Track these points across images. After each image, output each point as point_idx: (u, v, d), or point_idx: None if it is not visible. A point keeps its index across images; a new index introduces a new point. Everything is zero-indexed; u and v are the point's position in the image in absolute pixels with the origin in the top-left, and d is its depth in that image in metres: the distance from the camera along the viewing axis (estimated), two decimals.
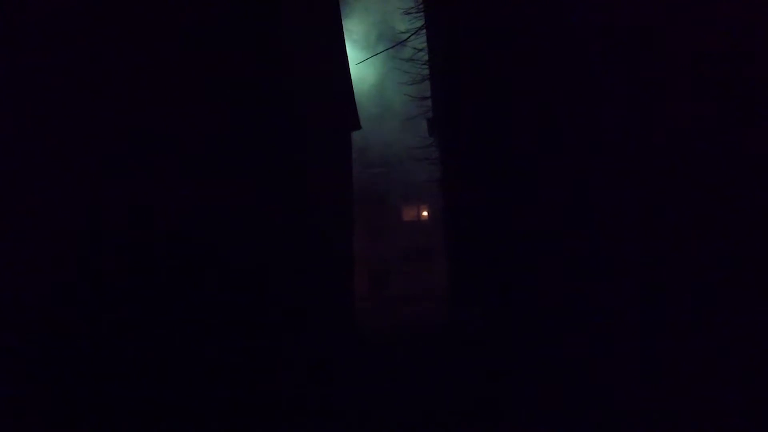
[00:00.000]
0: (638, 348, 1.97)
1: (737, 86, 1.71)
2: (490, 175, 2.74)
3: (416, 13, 5.53)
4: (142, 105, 4.29)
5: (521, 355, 2.18)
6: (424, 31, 6.11)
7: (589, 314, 1.81)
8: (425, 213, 29.97)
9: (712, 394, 1.73)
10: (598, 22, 1.67)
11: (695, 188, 1.80)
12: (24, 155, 3.06)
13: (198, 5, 5.48)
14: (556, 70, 1.89)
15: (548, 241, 2.02)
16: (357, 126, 14.77)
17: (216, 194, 5.65)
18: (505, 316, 2.45)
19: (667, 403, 1.89)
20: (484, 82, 2.71)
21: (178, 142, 4.87)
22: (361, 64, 7.00)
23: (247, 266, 6.42)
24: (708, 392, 1.77)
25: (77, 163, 3.51)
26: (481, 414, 3.91)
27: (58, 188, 3.31)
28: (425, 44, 6.77)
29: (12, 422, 2.79)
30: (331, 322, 10.53)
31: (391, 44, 5.63)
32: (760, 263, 1.70)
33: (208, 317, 5.20)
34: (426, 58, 6.20)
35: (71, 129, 3.46)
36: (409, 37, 5.71)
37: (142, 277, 4.15)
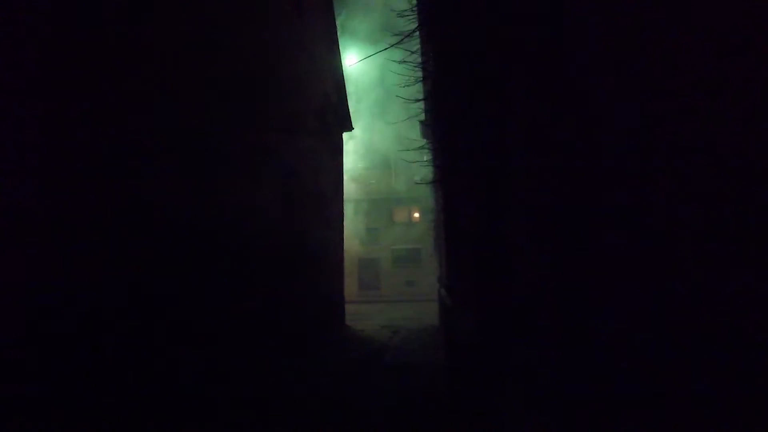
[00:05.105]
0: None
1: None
2: (483, 177, 2.73)
3: (410, 15, 5.52)
4: (131, 101, 4.23)
5: (514, 362, 2.16)
6: (418, 33, 6.10)
7: (587, 320, 1.79)
8: (416, 215, 29.99)
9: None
10: (593, 20, 1.65)
11: (695, 190, 1.78)
12: (19, 152, 2.99)
13: (191, 5, 5.43)
14: (549, 70, 1.88)
15: (544, 244, 2.01)
16: (349, 127, 14.74)
17: (202, 193, 5.59)
18: (500, 321, 2.43)
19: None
20: (476, 83, 2.70)
21: (165, 139, 4.81)
22: (362, 61, 6.96)
23: (234, 263, 6.37)
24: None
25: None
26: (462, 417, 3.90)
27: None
28: (418, 47, 6.76)
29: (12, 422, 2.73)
30: (318, 322, 10.48)
31: (392, 41, 5.58)
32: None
33: (204, 313, 5.16)
34: (419, 60, 6.19)
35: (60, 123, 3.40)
36: (402, 39, 5.69)
37: (133, 275, 4.09)
